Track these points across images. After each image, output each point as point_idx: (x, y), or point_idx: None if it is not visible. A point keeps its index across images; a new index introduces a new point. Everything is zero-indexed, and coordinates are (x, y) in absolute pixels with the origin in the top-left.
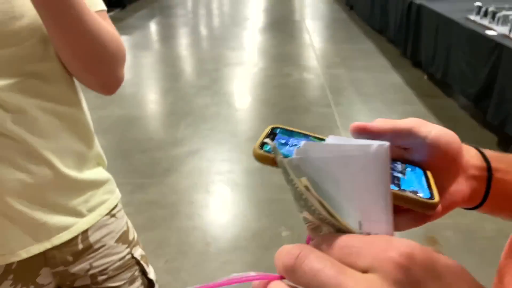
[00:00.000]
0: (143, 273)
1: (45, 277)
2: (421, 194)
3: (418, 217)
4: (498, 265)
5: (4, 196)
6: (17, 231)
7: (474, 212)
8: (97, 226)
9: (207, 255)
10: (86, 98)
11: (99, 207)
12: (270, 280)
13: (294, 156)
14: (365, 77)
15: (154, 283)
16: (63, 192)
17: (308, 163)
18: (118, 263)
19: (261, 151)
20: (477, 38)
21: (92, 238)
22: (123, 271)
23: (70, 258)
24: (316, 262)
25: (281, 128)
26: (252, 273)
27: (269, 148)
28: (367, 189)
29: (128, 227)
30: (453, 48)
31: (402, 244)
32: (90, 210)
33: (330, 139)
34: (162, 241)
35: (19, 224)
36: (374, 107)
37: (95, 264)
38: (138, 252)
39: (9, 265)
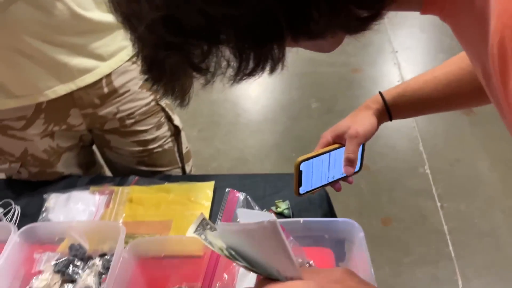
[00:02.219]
0: (169, 119)
1: (75, 117)
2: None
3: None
4: None
5: (22, 35)
6: (41, 71)
7: None
8: (120, 71)
9: (238, 125)
10: None
11: (120, 52)
12: None
13: (213, 233)
14: None
15: (180, 129)
16: (81, 33)
17: (225, 236)
18: (144, 108)
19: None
20: None
21: (116, 82)
22: (149, 116)
23: (97, 101)
24: None
25: (304, 160)
26: None
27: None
28: (272, 250)
29: None
30: None
31: None
32: (111, 55)
33: (239, 212)
34: (195, 112)
35: (41, 64)
36: None
37: (122, 108)
38: (162, 100)
39: (39, 105)
